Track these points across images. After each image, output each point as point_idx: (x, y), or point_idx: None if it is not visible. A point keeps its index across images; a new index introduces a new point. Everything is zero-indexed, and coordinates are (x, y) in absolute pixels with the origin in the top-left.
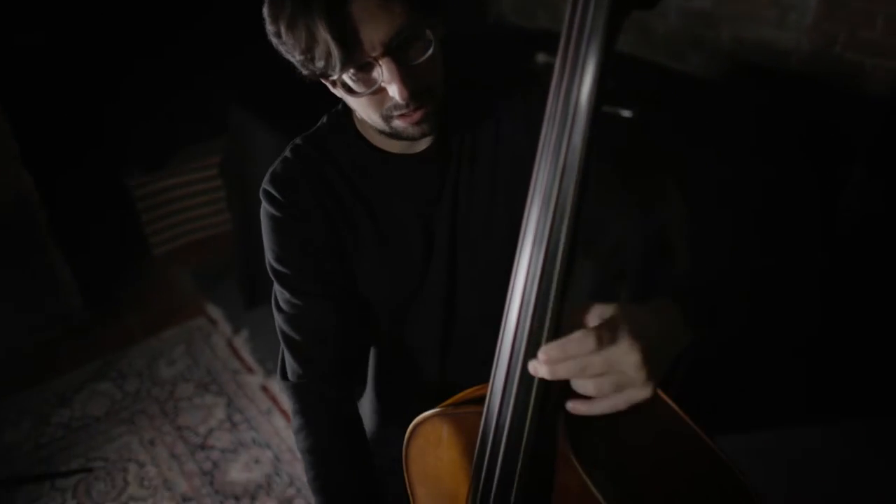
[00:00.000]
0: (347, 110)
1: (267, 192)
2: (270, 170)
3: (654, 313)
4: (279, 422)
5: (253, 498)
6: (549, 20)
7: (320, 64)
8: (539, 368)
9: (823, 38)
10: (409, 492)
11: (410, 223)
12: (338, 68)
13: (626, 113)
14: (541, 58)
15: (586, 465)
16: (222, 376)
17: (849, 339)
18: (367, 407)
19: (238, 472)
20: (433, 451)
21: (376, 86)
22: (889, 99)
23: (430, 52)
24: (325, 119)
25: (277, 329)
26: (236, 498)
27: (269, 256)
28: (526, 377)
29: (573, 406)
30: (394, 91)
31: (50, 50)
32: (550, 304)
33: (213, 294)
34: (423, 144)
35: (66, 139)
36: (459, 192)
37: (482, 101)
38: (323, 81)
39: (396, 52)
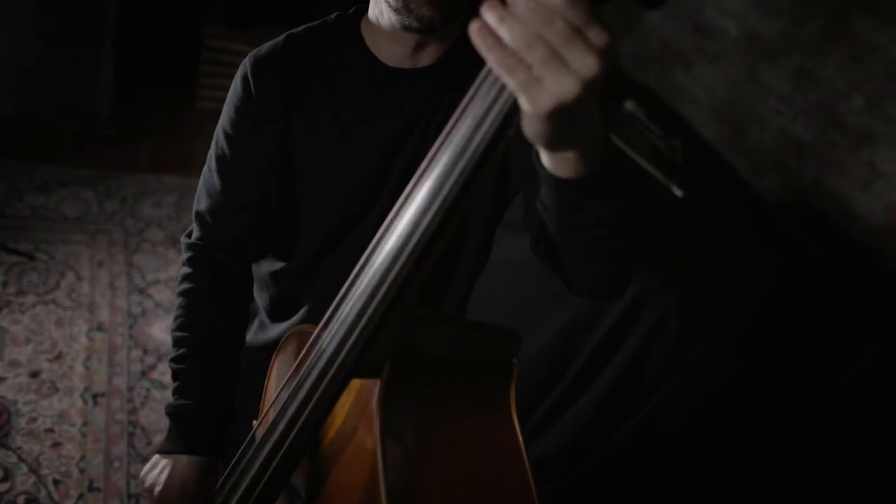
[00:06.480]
0: (357, 16)
1: (244, 68)
2: (259, 48)
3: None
4: None
5: (159, 359)
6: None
7: None
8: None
9: None
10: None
11: (376, 142)
12: None
13: (678, 192)
14: (629, 105)
15: (386, 433)
16: None
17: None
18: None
19: (159, 331)
20: (286, 361)
21: None
22: None
23: None
24: (332, 17)
25: (198, 187)
26: (145, 350)
27: (221, 121)
28: (359, 313)
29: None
30: None
31: None
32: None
33: None
34: (424, 61)
35: None
36: (437, 122)
37: None
38: None
39: None
